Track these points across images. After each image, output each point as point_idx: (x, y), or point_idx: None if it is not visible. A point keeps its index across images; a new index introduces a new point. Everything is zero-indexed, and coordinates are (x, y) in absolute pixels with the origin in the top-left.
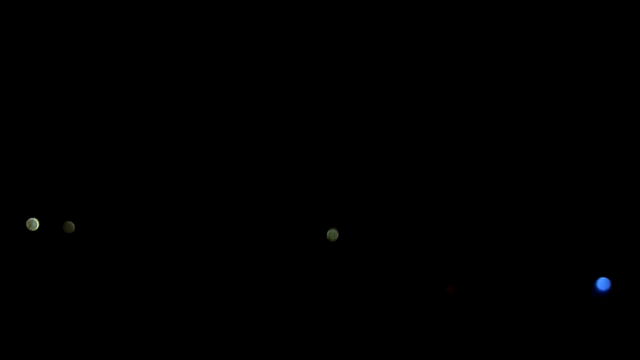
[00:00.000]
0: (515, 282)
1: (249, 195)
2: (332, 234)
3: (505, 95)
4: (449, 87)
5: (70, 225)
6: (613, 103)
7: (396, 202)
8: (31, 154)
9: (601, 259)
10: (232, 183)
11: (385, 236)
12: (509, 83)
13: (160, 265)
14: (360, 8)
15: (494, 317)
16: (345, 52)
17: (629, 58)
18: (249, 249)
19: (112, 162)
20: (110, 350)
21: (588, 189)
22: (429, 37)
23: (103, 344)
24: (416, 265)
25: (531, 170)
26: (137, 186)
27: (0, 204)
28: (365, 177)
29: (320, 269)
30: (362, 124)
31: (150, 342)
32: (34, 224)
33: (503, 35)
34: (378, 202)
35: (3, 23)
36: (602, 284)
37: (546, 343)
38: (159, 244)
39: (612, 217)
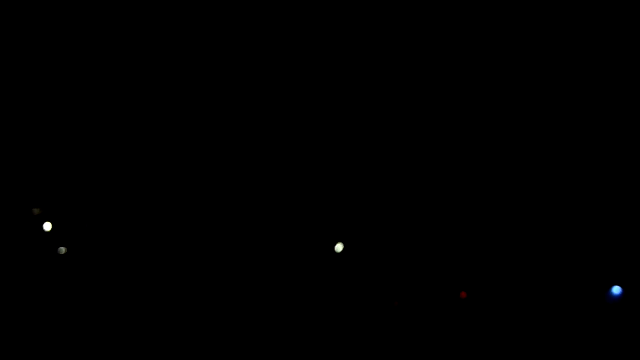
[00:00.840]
0: (525, 289)
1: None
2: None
3: (524, 107)
4: (460, 100)
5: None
6: (617, 106)
7: (405, 210)
8: (32, 156)
9: (614, 266)
10: (244, 195)
11: (395, 244)
12: (517, 87)
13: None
14: (363, 9)
15: (507, 323)
16: (357, 66)
17: (629, 58)
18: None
19: (118, 164)
20: (110, 350)
21: (601, 197)
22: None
23: (103, 344)
24: (429, 271)
25: (543, 179)
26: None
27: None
28: (372, 186)
29: (329, 276)
30: (368, 138)
31: (151, 342)
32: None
33: (503, 36)
34: (390, 212)
35: (4, 23)
36: (615, 292)
37: (557, 347)
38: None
39: (623, 224)
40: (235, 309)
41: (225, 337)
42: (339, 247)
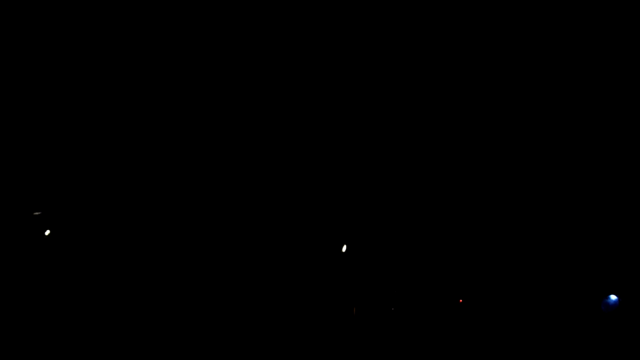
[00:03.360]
0: (522, 294)
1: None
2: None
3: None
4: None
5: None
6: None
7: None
8: (33, 157)
9: (612, 271)
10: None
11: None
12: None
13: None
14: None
15: (503, 328)
16: (357, 67)
17: (629, 59)
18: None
19: (121, 165)
20: (110, 350)
21: (600, 199)
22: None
23: (103, 344)
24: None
25: (541, 182)
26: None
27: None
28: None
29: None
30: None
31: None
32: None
33: (503, 36)
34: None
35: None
36: (611, 301)
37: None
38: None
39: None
40: (235, 309)
41: (225, 337)
42: (343, 248)
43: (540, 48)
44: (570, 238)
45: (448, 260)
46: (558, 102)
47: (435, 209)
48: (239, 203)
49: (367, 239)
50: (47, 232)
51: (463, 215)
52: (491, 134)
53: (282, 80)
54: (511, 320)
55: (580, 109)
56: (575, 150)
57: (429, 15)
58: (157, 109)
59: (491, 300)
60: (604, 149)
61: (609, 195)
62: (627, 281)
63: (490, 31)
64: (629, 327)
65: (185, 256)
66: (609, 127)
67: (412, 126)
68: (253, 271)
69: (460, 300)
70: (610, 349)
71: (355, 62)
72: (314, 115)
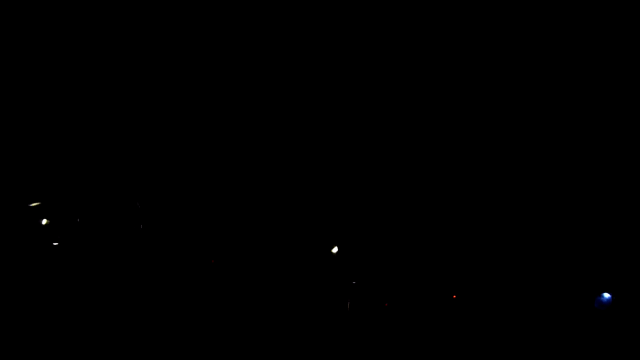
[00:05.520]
0: (518, 291)
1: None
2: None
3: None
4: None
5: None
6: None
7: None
8: (33, 155)
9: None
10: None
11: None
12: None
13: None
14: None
15: (497, 324)
16: (357, 67)
17: (630, 59)
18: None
19: (121, 164)
20: (110, 350)
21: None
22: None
23: (103, 344)
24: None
25: (538, 181)
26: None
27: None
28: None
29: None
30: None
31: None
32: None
33: (503, 36)
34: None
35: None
36: (604, 298)
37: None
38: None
39: (617, 229)
40: (232, 306)
41: (222, 335)
42: (334, 249)
43: (540, 48)
44: (563, 235)
45: (442, 257)
46: (558, 102)
47: (429, 206)
48: (236, 202)
49: (361, 236)
50: (44, 222)
51: (457, 213)
52: (483, 132)
53: (281, 79)
54: (505, 316)
55: (580, 109)
56: (571, 149)
57: (429, 15)
58: (157, 108)
59: (485, 296)
60: (602, 149)
61: (602, 193)
62: (621, 279)
63: (490, 31)
64: (621, 325)
65: (179, 254)
66: (608, 127)
67: (405, 125)
68: (249, 269)
69: (455, 296)
70: (602, 345)
71: (354, 61)
72: (309, 115)
